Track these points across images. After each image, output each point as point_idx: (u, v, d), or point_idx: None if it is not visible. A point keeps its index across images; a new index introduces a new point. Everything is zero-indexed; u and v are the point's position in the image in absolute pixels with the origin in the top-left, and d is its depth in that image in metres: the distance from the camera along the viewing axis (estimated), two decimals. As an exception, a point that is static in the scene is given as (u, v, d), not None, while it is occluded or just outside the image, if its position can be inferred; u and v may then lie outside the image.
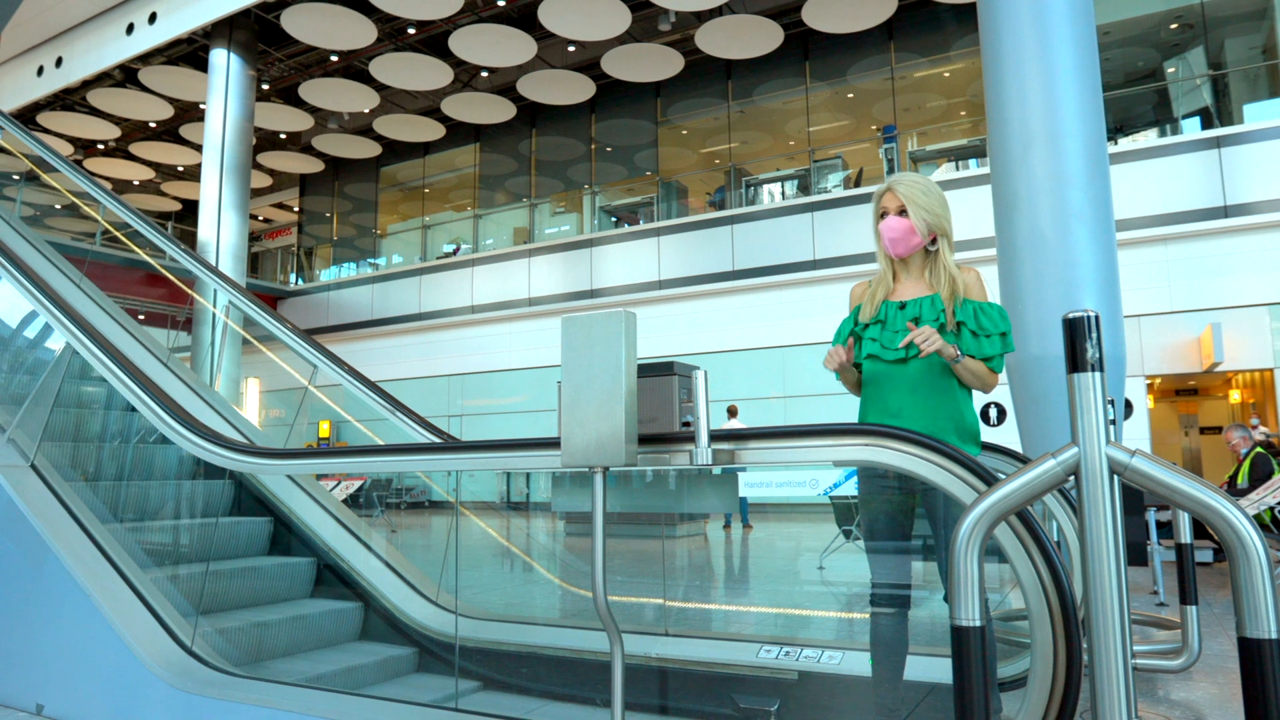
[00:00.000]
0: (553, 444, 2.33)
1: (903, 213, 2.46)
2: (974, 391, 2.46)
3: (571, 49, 15.92)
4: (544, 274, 16.92)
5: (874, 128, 15.97)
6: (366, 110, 18.29)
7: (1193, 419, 15.32)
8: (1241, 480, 7.43)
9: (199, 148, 18.72)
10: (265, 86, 17.32)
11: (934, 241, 2.49)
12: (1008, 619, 3.16)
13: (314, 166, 21.60)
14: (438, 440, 4.18)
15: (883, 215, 2.51)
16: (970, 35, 14.14)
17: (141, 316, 6.03)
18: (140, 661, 2.97)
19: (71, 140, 20.17)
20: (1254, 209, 10.99)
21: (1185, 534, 3.72)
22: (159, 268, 6.70)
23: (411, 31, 15.19)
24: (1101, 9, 12.01)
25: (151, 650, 3.03)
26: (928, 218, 2.45)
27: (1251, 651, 1.15)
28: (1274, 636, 1.14)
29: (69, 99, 17.96)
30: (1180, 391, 15.22)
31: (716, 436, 2.13)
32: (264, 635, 3.49)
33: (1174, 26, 13.31)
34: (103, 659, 3.08)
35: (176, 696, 2.86)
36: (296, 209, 23.23)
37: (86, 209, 7.35)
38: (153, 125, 19.50)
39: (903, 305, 2.46)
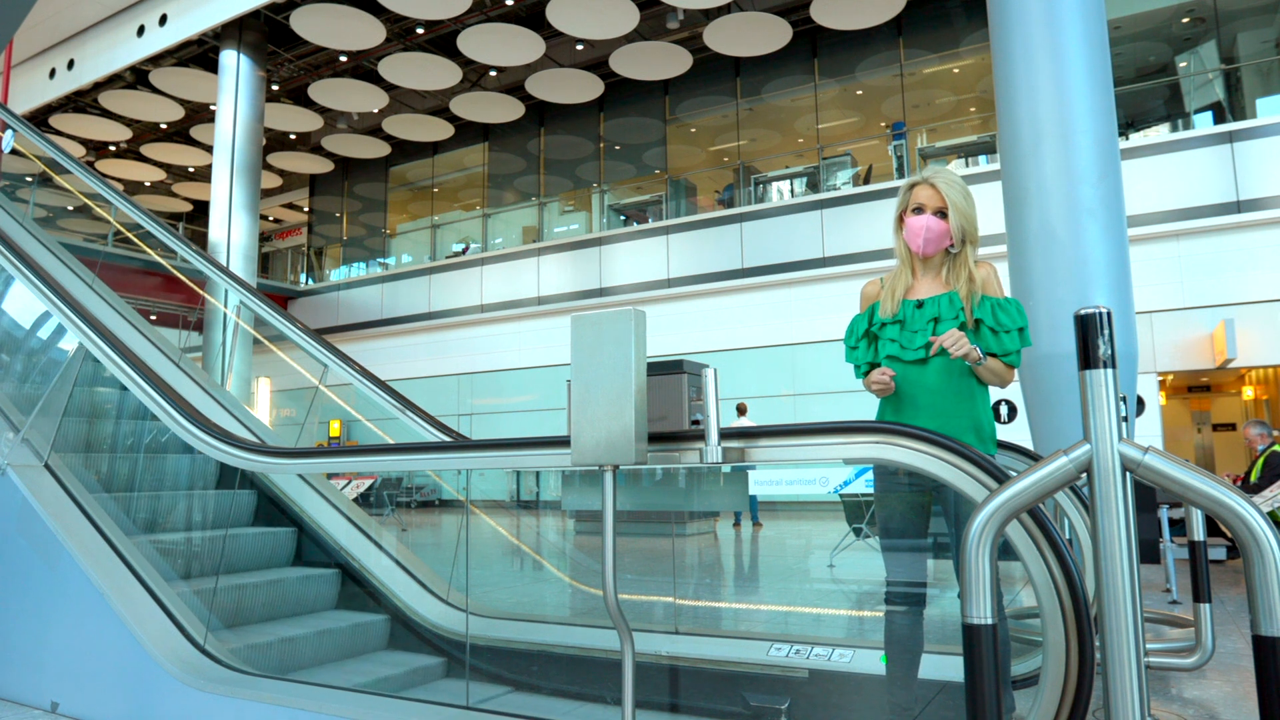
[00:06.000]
0: (563, 442, 2.33)
1: (942, 213, 2.41)
2: (990, 388, 2.44)
3: (580, 48, 15.92)
4: (553, 273, 16.94)
5: (883, 124, 15.91)
6: (375, 110, 18.33)
7: (1205, 415, 15.24)
8: (1254, 478, 7.37)
9: (209, 149, 18.82)
10: (275, 87, 17.38)
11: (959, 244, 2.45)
12: (1020, 616, 3.15)
13: (324, 166, 21.67)
14: (448, 439, 4.19)
15: (917, 209, 2.44)
16: (980, 31, 14.07)
17: (154, 317, 6.06)
18: (154, 659, 2.99)
19: (83, 142, 20.28)
20: (1267, 204, 10.91)
21: (1198, 531, 3.71)
22: (170, 269, 6.73)
23: (420, 31, 15.21)
24: (1112, 3, 11.94)
25: (165, 648, 3.05)
26: (965, 224, 2.41)
27: (1266, 649, 1.14)
28: (1289, 634, 1.13)
29: (80, 101, 18.06)
30: (1193, 388, 15.14)
31: (726, 434, 2.12)
32: (287, 646, 3.51)
33: (1185, 20, 13.22)
34: (116, 657, 3.10)
35: (189, 694, 2.88)
36: (306, 209, 23.31)
37: (98, 210, 7.40)
38: (163, 126, 19.60)
39: (920, 304, 2.42)
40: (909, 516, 2.43)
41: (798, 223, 14.41)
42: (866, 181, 14.84)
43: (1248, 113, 12.24)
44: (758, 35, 14.62)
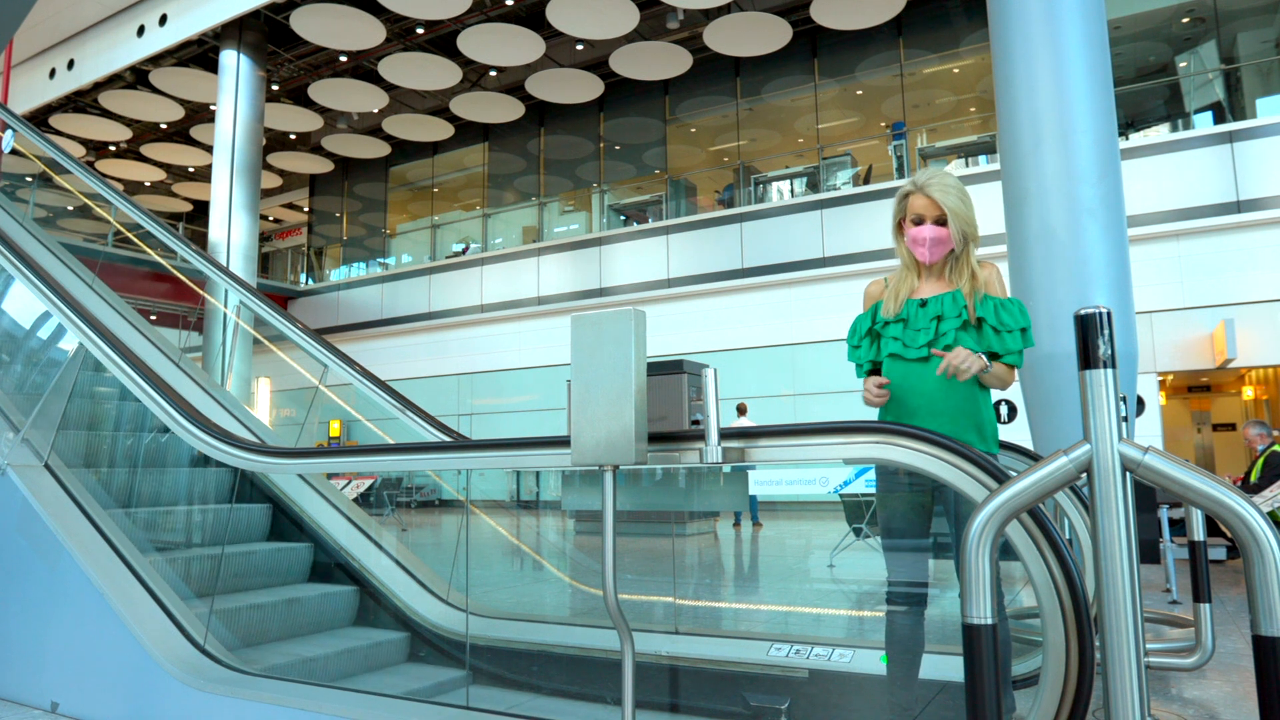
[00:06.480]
0: (563, 442, 2.32)
1: (941, 221, 2.41)
2: (991, 389, 2.44)
3: (580, 48, 15.92)
4: (553, 273, 16.94)
5: (883, 124, 15.91)
6: (375, 110, 18.33)
7: (1205, 415, 15.24)
8: (1254, 478, 7.37)
9: (209, 149, 18.81)
10: (275, 87, 17.38)
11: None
12: (1020, 616, 3.15)
13: (324, 166, 21.67)
14: (448, 439, 4.19)
15: (917, 220, 2.43)
16: (980, 31, 14.07)
17: (153, 317, 6.06)
18: (154, 659, 2.98)
19: (83, 142, 20.27)
20: (1267, 204, 10.91)
21: (1198, 531, 3.71)
22: (170, 268, 6.74)
23: (420, 31, 15.21)
24: (1112, 3, 11.93)
25: (165, 649, 3.05)
26: (965, 227, 2.41)
27: (1266, 649, 1.14)
28: (1289, 634, 1.13)
29: (80, 101, 18.05)
30: (1193, 388, 15.14)
31: (726, 434, 2.12)
32: (264, 619, 3.51)
33: (1185, 20, 13.22)
34: (116, 657, 3.10)
35: (189, 694, 2.88)
36: (306, 209, 23.31)
37: (98, 210, 7.40)
38: (163, 126, 19.60)
39: (924, 303, 2.43)
40: (910, 516, 2.43)
41: (798, 223, 14.41)
42: (866, 181, 14.84)
43: (1248, 113, 12.24)
44: (758, 35, 14.62)
